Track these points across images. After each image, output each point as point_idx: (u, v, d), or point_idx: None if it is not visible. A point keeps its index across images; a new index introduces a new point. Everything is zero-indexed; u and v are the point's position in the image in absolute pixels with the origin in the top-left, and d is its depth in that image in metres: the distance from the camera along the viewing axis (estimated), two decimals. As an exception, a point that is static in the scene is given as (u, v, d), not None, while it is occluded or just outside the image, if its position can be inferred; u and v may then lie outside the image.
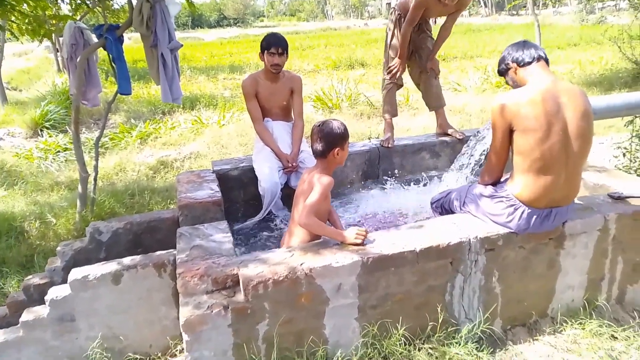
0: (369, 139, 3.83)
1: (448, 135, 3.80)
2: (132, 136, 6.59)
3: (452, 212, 2.46)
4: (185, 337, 1.79)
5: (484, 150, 3.15)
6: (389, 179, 3.49)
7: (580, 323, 2.27)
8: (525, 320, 2.33)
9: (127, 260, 2.22)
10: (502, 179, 2.27)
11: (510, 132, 2.06)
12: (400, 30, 3.66)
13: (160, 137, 6.67)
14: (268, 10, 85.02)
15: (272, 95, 3.29)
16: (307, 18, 70.62)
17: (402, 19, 3.68)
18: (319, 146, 2.28)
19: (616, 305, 2.44)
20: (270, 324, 1.89)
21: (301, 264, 1.92)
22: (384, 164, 3.63)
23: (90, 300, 2.13)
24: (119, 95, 3.68)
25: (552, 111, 1.97)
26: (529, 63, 2.10)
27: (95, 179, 3.69)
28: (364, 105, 7.67)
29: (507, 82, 2.28)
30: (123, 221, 2.69)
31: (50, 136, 6.80)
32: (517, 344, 2.23)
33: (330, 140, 2.25)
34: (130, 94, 3.56)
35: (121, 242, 2.67)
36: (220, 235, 2.26)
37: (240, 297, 1.86)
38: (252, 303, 1.84)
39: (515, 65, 2.14)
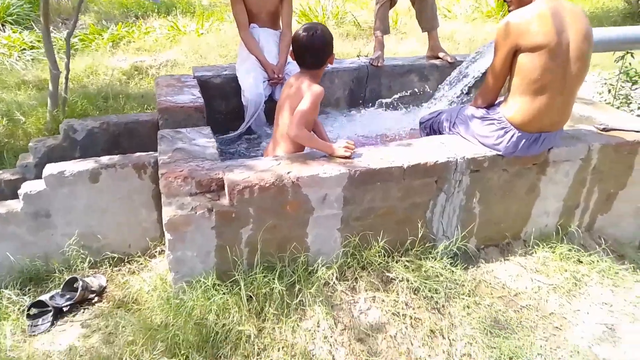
0: (358, 56, 3.69)
1: (439, 58, 3.69)
2: (103, 39, 6.18)
3: (441, 133, 2.43)
4: (167, 236, 1.77)
5: (474, 75, 3.10)
6: (376, 100, 3.41)
7: (551, 247, 2.36)
8: (499, 241, 2.41)
9: (105, 159, 2.14)
10: (495, 103, 2.24)
11: (514, 54, 1.99)
12: None
13: (134, 41, 6.29)
14: None
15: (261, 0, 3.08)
16: None
17: None
18: (312, 59, 2.15)
19: (585, 232, 2.54)
20: (254, 229, 1.88)
21: (288, 173, 1.88)
22: (372, 84, 3.53)
23: (67, 197, 2.07)
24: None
25: (556, 30, 1.90)
26: None
27: (66, 78, 3.47)
28: (350, 25, 7.35)
29: (507, 1, 2.14)
30: (99, 120, 2.57)
31: (14, 32, 6.32)
32: (489, 262, 2.31)
33: (325, 50, 2.14)
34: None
35: (97, 142, 2.57)
36: (203, 139, 2.18)
37: (224, 201, 1.83)
38: (237, 208, 1.82)
39: None
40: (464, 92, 3.14)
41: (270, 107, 3.13)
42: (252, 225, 1.87)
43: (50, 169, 2.03)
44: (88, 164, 2.08)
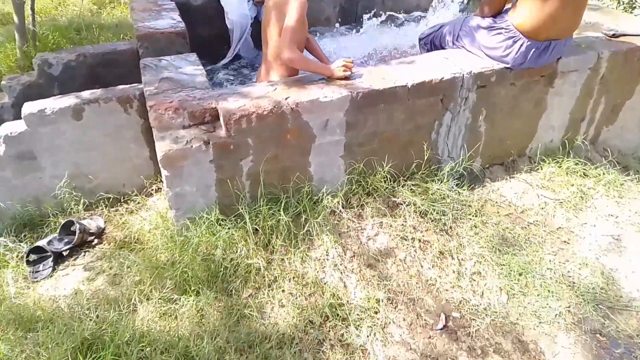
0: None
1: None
2: (66, -36, 5.68)
3: (443, 49, 2.29)
4: (164, 172, 1.67)
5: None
6: (369, 18, 3.20)
7: (557, 162, 2.31)
8: (504, 159, 2.35)
9: (86, 93, 1.98)
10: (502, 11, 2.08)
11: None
12: None
13: (101, -33, 5.81)
14: None
15: None
16: None
17: None
18: None
19: (589, 145, 2.48)
20: (255, 161, 1.79)
21: (286, 98, 1.76)
22: (364, 0, 3.30)
23: (51, 136, 1.94)
24: None
25: None
26: None
27: (32, 9, 3.19)
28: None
29: None
30: (74, 53, 2.37)
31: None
32: (495, 181, 2.27)
33: None
34: None
35: (76, 76, 2.39)
36: (190, 67, 2.02)
37: (221, 132, 1.72)
38: (235, 138, 1.71)
39: None
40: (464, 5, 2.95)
41: (258, 29, 2.93)
42: (252, 156, 1.77)
43: (29, 107, 1.88)
44: (69, 100, 1.93)
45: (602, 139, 2.54)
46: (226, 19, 2.77)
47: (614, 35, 2.33)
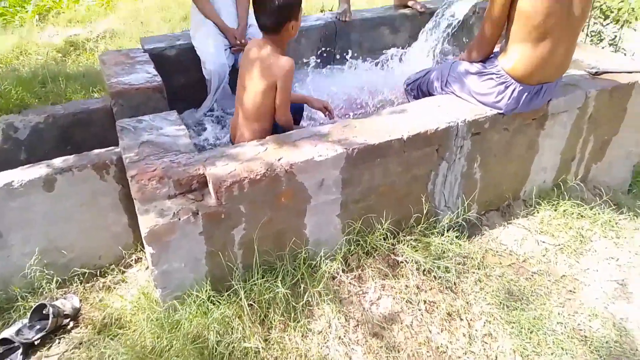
0: (322, 11, 3.40)
1: (408, 7, 3.45)
2: (27, 11, 5.52)
3: (431, 95, 2.24)
4: (149, 249, 1.52)
5: (451, 23, 2.89)
6: (348, 58, 3.15)
7: (552, 204, 2.27)
8: (499, 204, 2.29)
9: (58, 161, 1.82)
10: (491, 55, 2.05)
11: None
12: None
13: (64, 12, 5.65)
14: None
15: (211, -45, 2.71)
16: None
17: None
18: (268, 21, 1.87)
19: (581, 183, 2.46)
20: (247, 228, 1.65)
21: (279, 160, 1.65)
22: (341, 41, 3.26)
23: (20, 210, 1.76)
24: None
25: None
26: None
27: (-8, 62, 3.01)
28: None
29: None
30: (43, 114, 2.21)
31: None
32: (492, 228, 2.20)
33: (284, 12, 1.84)
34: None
35: (45, 139, 2.22)
36: (172, 127, 1.90)
37: (210, 200, 1.59)
38: (226, 206, 1.58)
39: None
40: (443, 41, 2.94)
41: (235, 77, 2.84)
42: (244, 223, 1.64)
43: (-7, 181, 1.71)
44: (39, 170, 1.76)
45: (591, 176, 2.52)
46: (203, 69, 2.67)
47: (596, 73, 2.34)
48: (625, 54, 3.55)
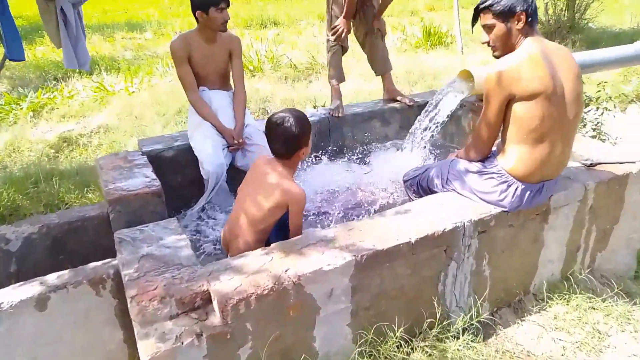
0: (315, 107, 3.50)
1: (397, 101, 3.57)
2: (22, 108, 5.59)
3: (431, 191, 2.24)
4: (150, 379, 1.40)
5: (439, 121, 2.98)
6: (341, 151, 3.20)
7: (563, 298, 2.21)
8: (510, 300, 2.22)
9: (52, 278, 1.73)
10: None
11: (508, 102, 1.85)
12: None
13: (57, 108, 5.74)
14: (162, -37, 78.49)
15: (208, 60, 2.80)
16: (206, -28, 66.25)
17: None
18: (280, 149, 1.94)
19: (588, 273, 2.42)
20: (254, 346, 1.55)
21: (286, 271, 1.59)
22: (335, 135, 3.33)
23: (8, 333, 1.64)
24: (7, 61, 2.95)
25: (550, 74, 1.78)
26: (533, 27, 1.85)
27: (-15, 167, 2.98)
28: (287, 68, 7.23)
29: (486, 26, 1.93)
30: (37, 224, 2.14)
31: None
32: (506, 327, 2.11)
33: (296, 143, 1.91)
34: (24, 59, 2.87)
35: (37, 249, 2.14)
36: (173, 237, 1.84)
37: (215, 319, 1.50)
38: (232, 325, 1.49)
39: (524, 17, 1.82)
40: (434, 134, 3.01)
41: (232, 174, 2.85)
42: (250, 342, 1.54)
43: (-18, 303, 1.60)
44: (32, 288, 1.67)
45: (597, 265, 2.49)
46: (201, 169, 2.66)
47: (591, 165, 2.38)
48: (608, 139, 3.67)
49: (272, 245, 1.76)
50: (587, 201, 2.24)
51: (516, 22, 1.83)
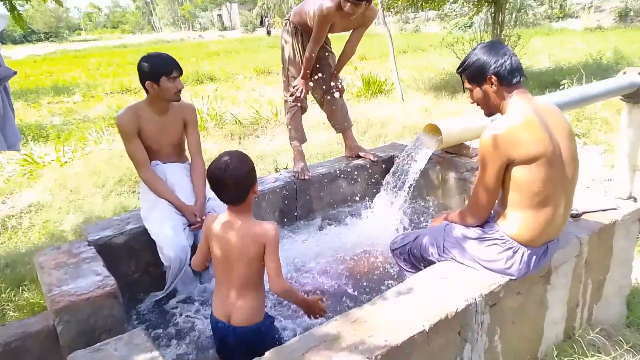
0: (277, 170, 3.29)
1: (360, 157, 3.44)
2: None
3: (425, 260, 2.06)
4: None
5: (411, 184, 2.87)
6: (309, 214, 2.99)
7: (574, 362, 2.06)
8: (522, 372, 2.04)
9: None
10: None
11: (506, 167, 1.73)
12: (299, 43, 3.19)
13: (-22, 186, 5.16)
14: (85, 23, 77.40)
15: (161, 131, 2.54)
16: (133, 30, 66.05)
17: (299, 32, 3.21)
18: (233, 195, 1.75)
19: (587, 327, 2.30)
20: None
21: (293, 390, 1.31)
22: (302, 199, 3.12)
23: None
24: None
25: (546, 135, 1.70)
26: (513, 85, 1.77)
27: None
28: (232, 125, 7.02)
29: (468, 89, 1.89)
30: (-40, 351, 1.72)
31: None
32: (524, 404, 1.92)
33: (244, 184, 1.74)
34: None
35: (-39, 385, 1.71)
36: (141, 356, 1.51)
37: None
38: None
39: (496, 80, 1.77)
40: (408, 191, 2.89)
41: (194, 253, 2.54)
42: None
43: None
44: None
45: (594, 318, 2.39)
46: (160, 255, 2.34)
47: (576, 215, 2.32)
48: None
49: (267, 354, 1.48)
50: (583, 255, 2.16)
51: (490, 85, 1.78)
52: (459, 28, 14.42)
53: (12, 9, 2.96)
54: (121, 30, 67.83)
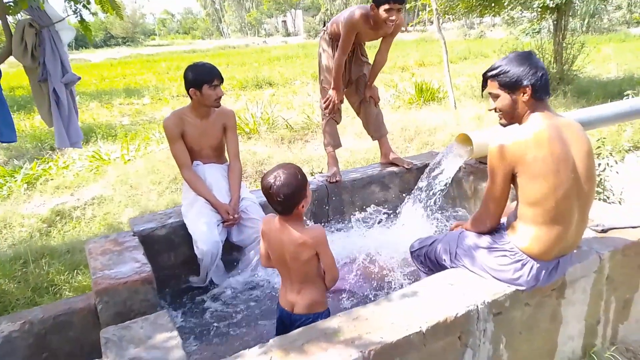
0: (312, 174, 3.44)
1: (394, 164, 3.52)
2: (16, 181, 5.53)
3: (439, 264, 2.12)
4: None
5: (439, 189, 2.91)
6: (340, 217, 3.10)
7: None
8: (531, 385, 2.05)
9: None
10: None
11: (513, 176, 1.77)
12: (334, 51, 3.33)
13: (52, 178, 5.68)
14: (159, 29, 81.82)
15: (202, 134, 2.76)
16: (202, 36, 69.04)
17: (334, 42, 3.35)
18: (279, 208, 1.85)
19: (610, 346, 2.26)
20: None
21: (288, 374, 1.44)
22: (333, 202, 3.24)
23: None
24: (-2, 142, 2.90)
25: (561, 152, 1.71)
26: (540, 99, 1.80)
27: (-29, 252, 2.86)
28: (283, 129, 7.26)
29: (492, 95, 1.89)
30: (18, 320, 2.00)
31: None
32: (530, 416, 1.93)
33: (293, 199, 1.82)
34: (15, 141, 2.82)
35: (17, 349, 1.98)
36: (162, 335, 1.70)
37: None
38: None
39: (530, 90, 1.77)
40: (437, 199, 2.93)
41: (228, 250, 2.74)
42: None
43: None
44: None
45: (620, 338, 2.33)
46: (195, 249, 2.55)
47: (603, 231, 2.28)
48: (612, 194, 3.58)
49: (271, 341, 1.62)
50: (604, 271, 2.12)
51: (522, 94, 1.78)
52: (526, 34, 14.06)
53: (81, 20, 3.30)
54: (192, 36, 71.14)
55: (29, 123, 9.04)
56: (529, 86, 1.75)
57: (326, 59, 3.40)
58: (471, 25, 32.06)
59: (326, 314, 1.95)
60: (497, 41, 18.55)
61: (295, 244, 1.84)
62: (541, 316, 1.97)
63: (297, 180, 1.82)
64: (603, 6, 12.93)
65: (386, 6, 2.92)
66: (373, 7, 2.98)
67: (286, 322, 1.94)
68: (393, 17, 2.95)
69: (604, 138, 4.17)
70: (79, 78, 2.91)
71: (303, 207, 1.86)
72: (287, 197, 1.79)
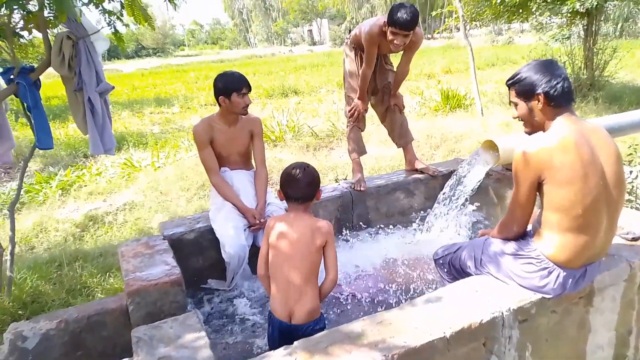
0: (337, 181, 3.47)
1: (418, 171, 3.52)
2: (51, 187, 5.75)
3: (463, 272, 2.12)
4: None
5: (465, 196, 2.90)
6: (365, 224, 3.12)
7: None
8: (559, 394, 2.01)
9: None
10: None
11: (539, 183, 1.76)
12: (358, 57, 3.36)
13: (85, 185, 5.89)
14: (189, 39, 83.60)
15: (230, 141, 2.83)
16: (230, 46, 70.22)
17: (358, 50, 3.39)
18: (307, 191, 2.03)
19: (643, 358, 2.20)
20: None
21: (313, 376, 1.47)
22: (358, 209, 3.26)
23: None
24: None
25: (588, 158, 1.69)
26: (561, 107, 1.80)
27: (12, 254, 2.99)
28: (308, 137, 7.33)
29: (513, 103, 1.90)
30: (55, 319, 2.08)
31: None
32: None
33: (318, 183, 2.07)
34: (52, 148, 2.94)
35: (54, 346, 2.06)
36: (191, 335, 1.75)
37: None
38: None
39: (544, 98, 1.78)
40: (462, 206, 2.92)
41: (253, 253, 2.78)
42: None
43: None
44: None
45: (653, 349, 2.27)
46: (223, 252, 2.61)
47: (634, 239, 2.23)
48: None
49: (295, 343, 1.65)
50: (635, 279, 2.08)
51: (536, 102, 1.79)
52: (555, 40, 13.81)
53: (115, 32, 3.43)
54: (219, 46, 72.40)
55: (63, 131, 9.37)
56: (542, 94, 1.75)
57: (348, 64, 3.44)
58: (499, 32, 31.65)
59: (323, 319, 2.01)
60: (525, 47, 18.29)
61: (313, 227, 1.96)
62: (568, 324, 1.95)
63: (317, 173, 2.08)
64: (638, 9, 12.61)
65: (392, 29, 2.95)
66: (385, 24, 3.01)
67: (285, 333, 1.93)
68: (397, 42, 2.98)
69: (636, 145, 4.06)
70: (113, 87, 3.03)
71: (317, 198, 2.08)
72: (312, 184, 2.02)
